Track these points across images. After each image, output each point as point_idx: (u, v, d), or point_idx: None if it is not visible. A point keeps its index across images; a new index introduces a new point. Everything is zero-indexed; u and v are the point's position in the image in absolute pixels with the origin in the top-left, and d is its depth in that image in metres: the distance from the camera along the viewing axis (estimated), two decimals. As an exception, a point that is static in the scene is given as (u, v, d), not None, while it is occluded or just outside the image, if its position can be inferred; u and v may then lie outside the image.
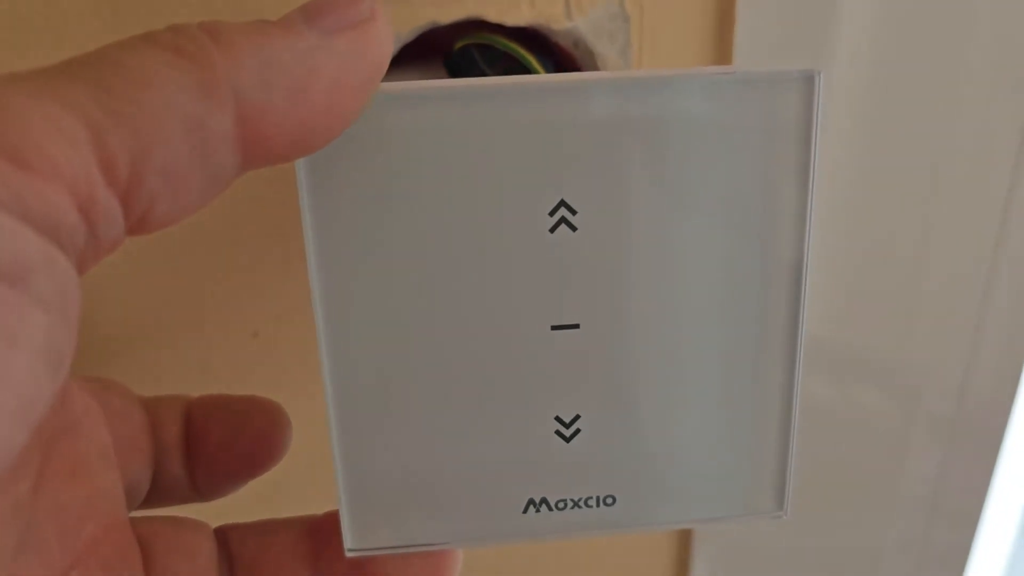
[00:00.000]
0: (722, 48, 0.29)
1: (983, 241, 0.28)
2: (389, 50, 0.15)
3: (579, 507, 0.19)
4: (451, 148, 0.16)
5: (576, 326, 0.18)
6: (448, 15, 0.23)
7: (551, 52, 0.26)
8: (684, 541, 0.33)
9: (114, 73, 0.12)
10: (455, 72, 0.25)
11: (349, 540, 0.18)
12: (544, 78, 0.16)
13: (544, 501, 0.19)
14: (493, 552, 0.30)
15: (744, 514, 0.19)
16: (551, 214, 0.17)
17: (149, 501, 0.20)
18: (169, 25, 0.13)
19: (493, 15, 0.24)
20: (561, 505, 0.19)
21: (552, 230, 0.17)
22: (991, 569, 0.37)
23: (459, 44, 0.24)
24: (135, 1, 0.21)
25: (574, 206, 0.17)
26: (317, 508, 0.20)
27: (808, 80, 0.16)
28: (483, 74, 0.25)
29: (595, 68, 0.26)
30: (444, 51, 0.25)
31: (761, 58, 0.28)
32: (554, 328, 0.17)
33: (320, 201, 0.16)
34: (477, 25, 0.24)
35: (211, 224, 0.24)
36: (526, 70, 0.24)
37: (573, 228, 0.17)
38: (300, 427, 0.22)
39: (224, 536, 0.20)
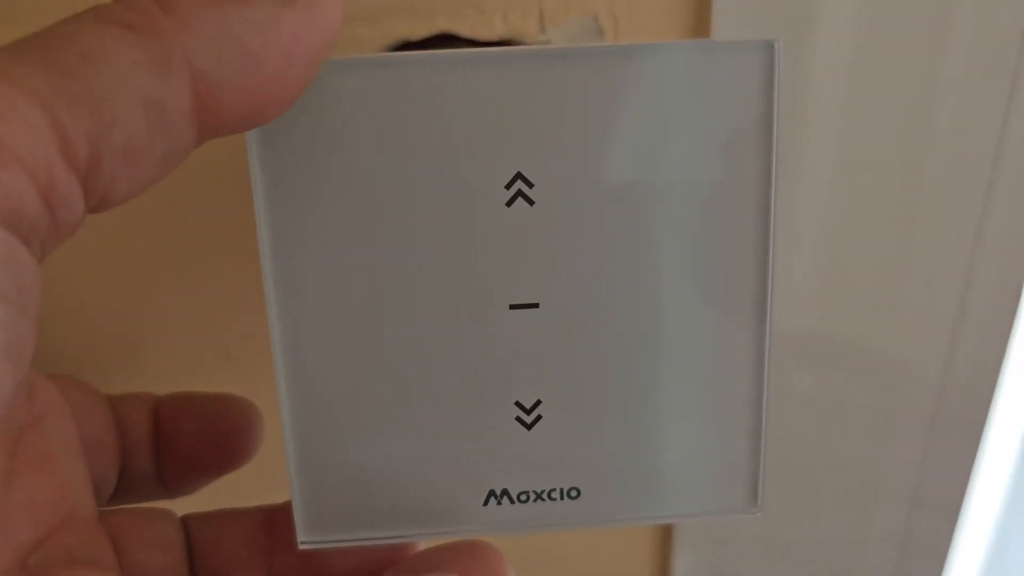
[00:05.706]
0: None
1: (965, 232, 0.28)
2: (341, 19, 0.14)
3: (542, 499, 0.18)
4: (401, 120, 0.16)
5: (535, 305, 0.17)
6: (419, 31, 0.23)
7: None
8: (666, 532, 0.33)
9: (67, 52, 0.12)
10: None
11: (301, 533, 0.18)
12: (497, 50, 0.16)
13: (505, 493, 0.18)
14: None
15: (717, 511, 0.18)
16: (507, 187, 0.16)
17: (116, 498, 0.19)
18: None
19: (466, 31, 0.24)
20: (524, 497, 0.18)
21: (509, 204, 0.16)
22: (973, 559, 0.37)
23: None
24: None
25: (531, 179, 0.16)
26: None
27: (768, 49, 0.16)
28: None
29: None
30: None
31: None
32: (512, 307, 0.17)
33: (270, 175, 0.16)
34: (449, 41, 0.24)
35: (179, 245, 0.24)
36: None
37: (531, 202, 0.16)
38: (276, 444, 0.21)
39: (184, 525, 0.19)
